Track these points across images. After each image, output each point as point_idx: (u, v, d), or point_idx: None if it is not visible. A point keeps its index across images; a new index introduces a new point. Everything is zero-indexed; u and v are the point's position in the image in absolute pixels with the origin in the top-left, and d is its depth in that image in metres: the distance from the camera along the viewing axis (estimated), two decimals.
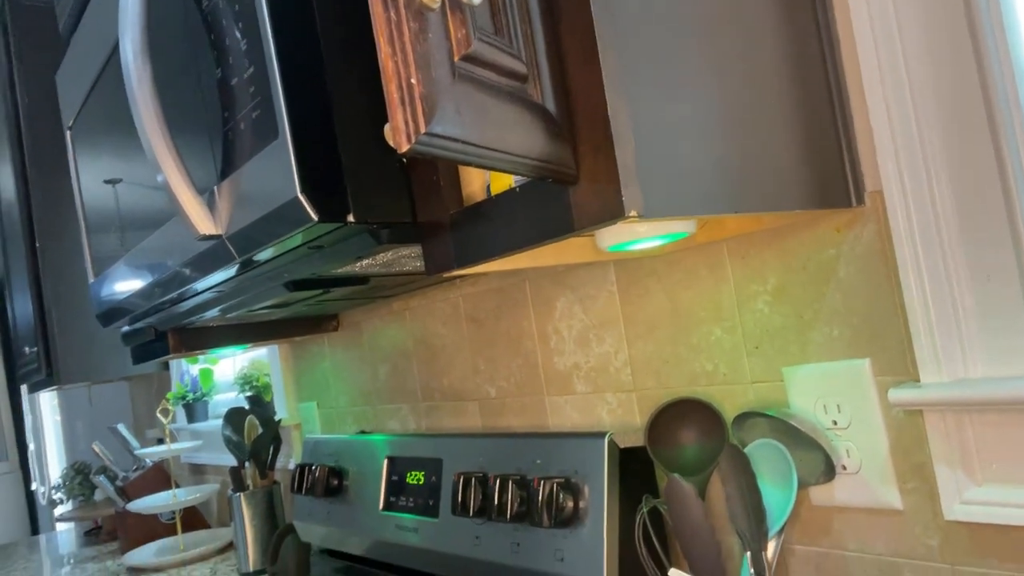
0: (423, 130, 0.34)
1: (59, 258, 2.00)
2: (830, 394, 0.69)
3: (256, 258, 0.74)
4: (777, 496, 0.70)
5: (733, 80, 0.57)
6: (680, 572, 0.48)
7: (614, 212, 0.48)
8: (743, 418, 0.73)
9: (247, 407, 1.62)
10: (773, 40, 0.61)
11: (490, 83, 0.41)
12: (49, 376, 2.03)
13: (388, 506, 1.10)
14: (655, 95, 0.51)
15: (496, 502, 0.87)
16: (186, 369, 2.12)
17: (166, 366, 2.19)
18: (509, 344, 1.06)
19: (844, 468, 0.69)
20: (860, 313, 0.67)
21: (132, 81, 0.75)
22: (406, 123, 0.34)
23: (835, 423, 0.69)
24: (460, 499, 0.92)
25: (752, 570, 0.67)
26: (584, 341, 0.95)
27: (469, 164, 0.39)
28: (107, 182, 1.06)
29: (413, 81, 0.34)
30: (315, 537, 1.29)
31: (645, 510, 0.70)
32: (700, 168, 0.53)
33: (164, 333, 1.24)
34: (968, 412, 0.59)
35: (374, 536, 1.11)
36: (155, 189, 0.90)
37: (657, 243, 0.66)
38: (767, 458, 0.71)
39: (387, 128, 0.34)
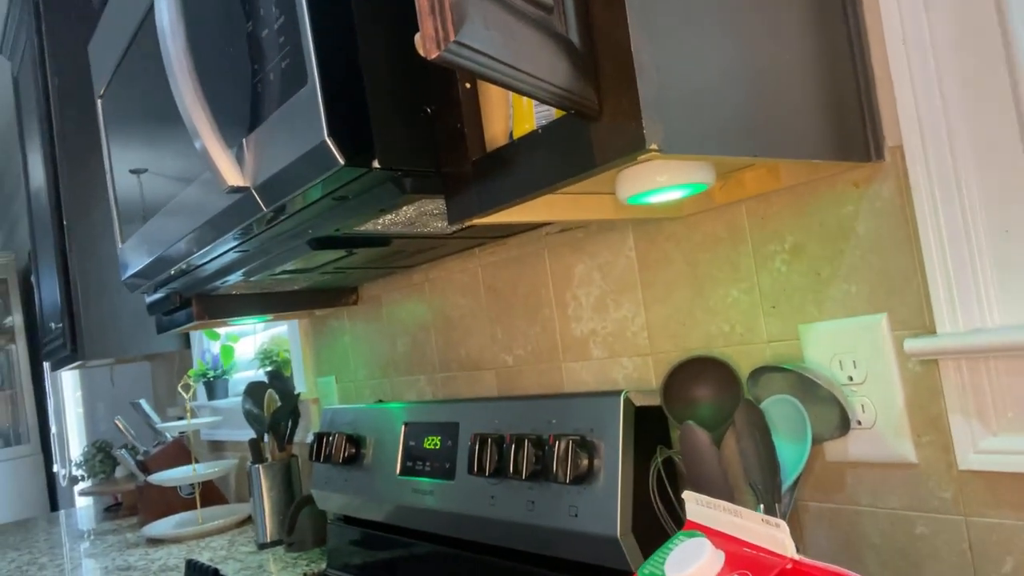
0: (452, 38, 0.36)
1: (85, 236, 2.04)
2: (846, 350, 0.70)
3: (282, 209, 0.75)
4: (791, 451, 0.71)
5: (754, 24, 0.58)
6: (694, 493, 0.49)
7: (635, 146, 0.49)
8: (758, 373, 0.73)
9: (267, 381, 1.64)
10: None
11: (516, 6, 0.42)
12: (73, 352, 2.07)
13: (405, 471, 1.11)
14: (677, 34, 0.52)
15: (512, 461, 0.88)
16: (207, 347, 2.15)
17: (187, 343, 2.23)
18: (527, 312, 1.07)
19: (859, 423, 0.69)
20: (877, 269, 0.68)
21: (167, 38, 0.77)
22: (436, 30, 0.35)
23: (851, 379, 0.69)
24: (476, 460, 0.93)
25: None
26: (602, 307, 0.96)
27: (494, 81, 0.40)
28: (132, 166, 1.08)
29: None
30: (333, 505, 1.31)
31: (659, 460, 0.70)
32: (719, 109, 0.54)
33: (188, 301, 1.26)
34: (984, 360, 0.60)
35: (391, 501, 1.13)
36: (184, 151, 0.93)
37: (677, 194, 0.66)
38: (782, 414, 0.72)
39: (417, 37, 0.36)
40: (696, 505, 0.48)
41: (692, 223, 0.84)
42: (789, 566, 0.41)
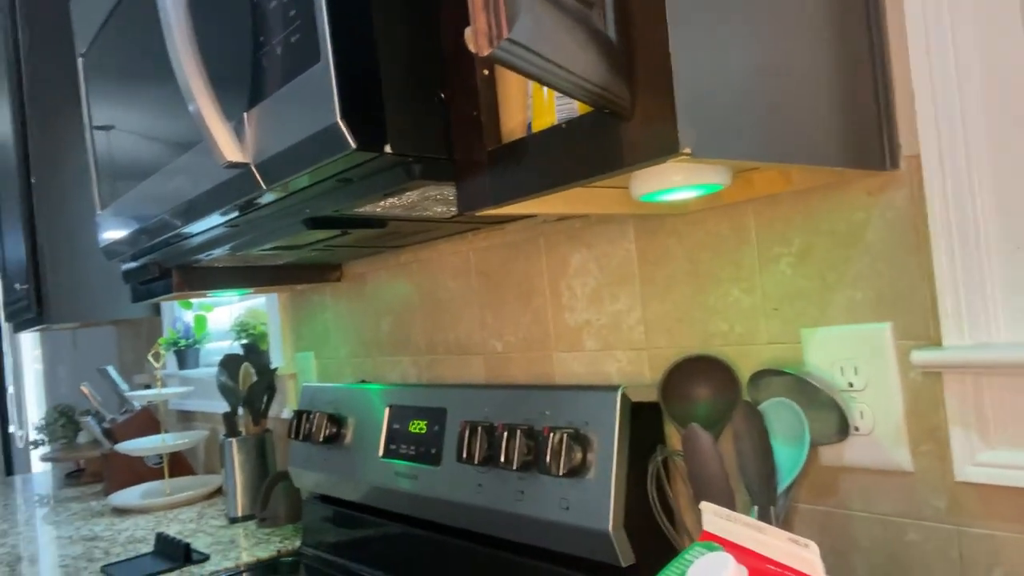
0: (505, 35, 0.34)
1: (54, 195, 1.97)
2: (848, 356, 0.70)
3: (282, 188, 0.73)
4: (788, 454, 0.71)
5: (779, 30, 0.57)
6: (710, 504, 0.49)
7: (668, 149, 0.48)
8: (759, 376, 0.73)
9: (243, 354, 1.61)
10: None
11: (561, 3, 0.40)
12: (39, 315, 2.01)
13: (388, 453, 1.10)
14: (710, 37, 0.51)
15: (503, 450, 0.87)
16: (179, 315, 2.11)
17: (157, 311, 2.17)
18: (519, 299, 1.06)
19: (857, 429, 0.70)
20: (885, 277, 0.68)
21: (166, 1, 0.73)
22: (489, 27, 0.33)
23: (851, 385, 0.70)
24: (465, 447, 0.93)
25: None
26: (597, 299, 0.95)
27: (538, 79, 0.39)
28: (116, 119, 1.04)
29: None
30: (310, 483, 1.29)
31: (659, 459, 0.70)
32: (745, 114, 0.53)
33: (167, 271, 1.22)
34: (988, 375, 0.60)
35: (372, 483, 1.12)
36: (175, 120, 0.89)
37: (690, 194, 0.65)
38: (780, 416, 0.72)
39: (468, 32, 0.34)
40: (714, 516, 0.48)
41: (695, 220, 0.83)
42: None
